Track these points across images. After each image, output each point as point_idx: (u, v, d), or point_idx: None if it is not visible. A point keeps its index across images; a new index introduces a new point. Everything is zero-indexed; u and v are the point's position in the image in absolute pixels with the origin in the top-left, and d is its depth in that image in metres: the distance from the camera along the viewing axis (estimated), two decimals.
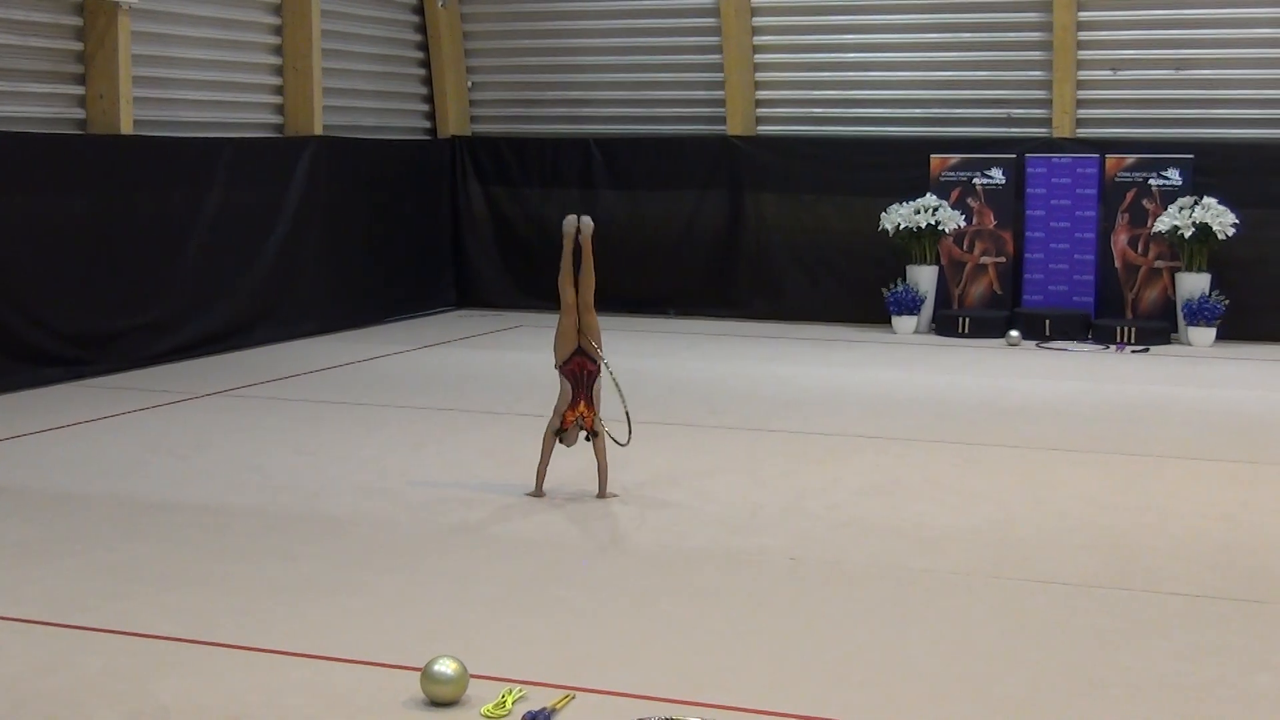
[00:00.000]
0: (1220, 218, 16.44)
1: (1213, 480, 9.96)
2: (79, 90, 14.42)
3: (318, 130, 17.08)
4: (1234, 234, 16.45)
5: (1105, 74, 17.85)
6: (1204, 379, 14.44)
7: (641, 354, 15.82)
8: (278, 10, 16.92)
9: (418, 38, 19.79)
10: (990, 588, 7.50)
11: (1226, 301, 16.70)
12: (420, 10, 19.69)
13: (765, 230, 18.96)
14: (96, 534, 8.40)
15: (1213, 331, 16.69)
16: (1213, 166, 17.11)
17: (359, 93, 18.62)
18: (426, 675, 5.80)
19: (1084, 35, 17.70)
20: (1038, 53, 17.94)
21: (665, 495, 9.41)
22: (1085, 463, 10.48)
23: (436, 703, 5.78)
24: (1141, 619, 6.99)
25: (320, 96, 17.13)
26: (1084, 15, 17.60)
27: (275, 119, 17.13)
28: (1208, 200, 16.60)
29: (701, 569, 7.79)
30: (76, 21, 14.34)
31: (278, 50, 17.00)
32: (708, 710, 5.76)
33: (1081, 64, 17.79)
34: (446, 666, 5.80)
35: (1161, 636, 6.72)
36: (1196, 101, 17.57)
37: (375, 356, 15.52)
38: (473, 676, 5.87)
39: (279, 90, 17.10)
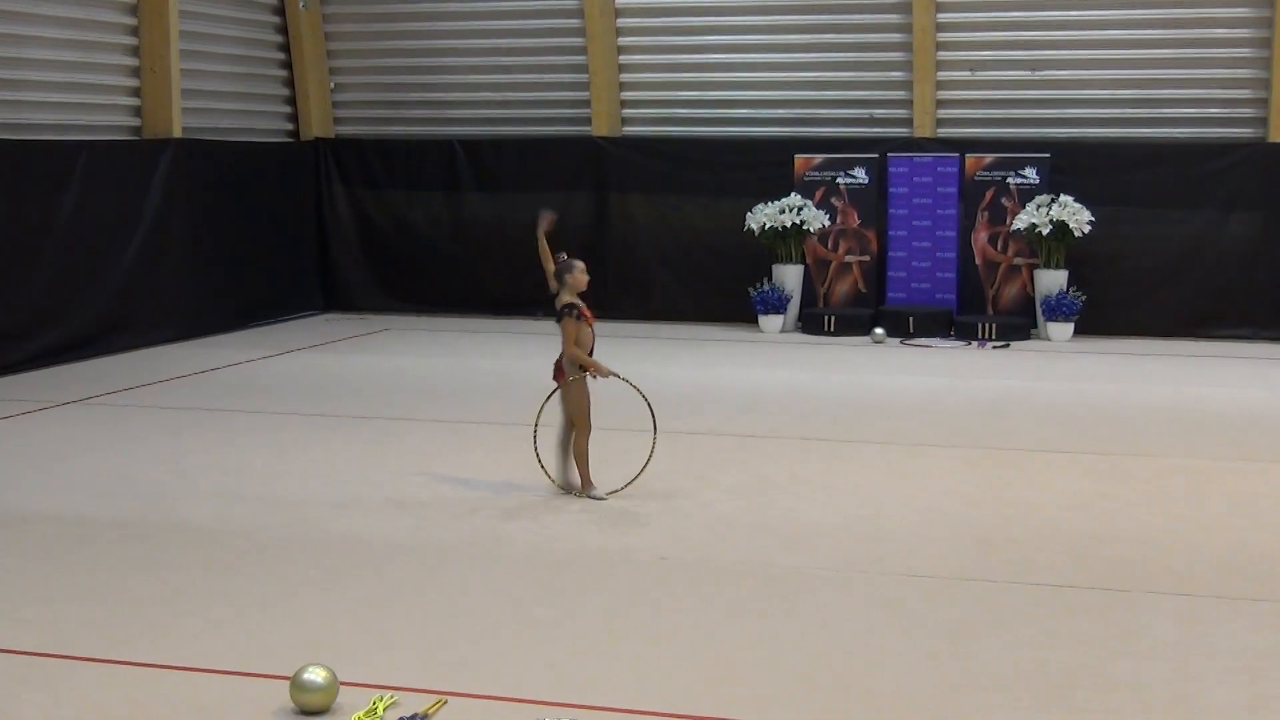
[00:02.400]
0: (1076, 215, 16.80)
1: (1072, 472, 10.17)
2: None
3: (177, 133, 16.78)
4: (1090, 231, 16.82)
5: (964, 75, 18.15)
6: (1063, 373, 14.74)
7: (510, 356, 15.77)
8: (134, 10, 16.59)
9: (279, 39, 19.54)
10: (858, 582, 7.59)
11: (1084, 297, 17.08)
12: (281, 11, 19.45)
13: (632, 231, 19.00)
14: None
15: (1071, 326, 17.06)
16: (1069, 165, 17.49)
17: (219, 94, 18.33)
18: (296, 684, 5.73)
19: (943, 36, 17.98)
20: (898, 54, 18.19)
21: (536, 498, 9.38)
22: (949, 457, 10.65)
23: (307, 711, 5.72)
24: (1005, 610, 7.11)
25: (179, 98, 16.83)
26: (943, 17, 17.88)
27: (133, 121, 16.80)
28: (1064, 198, 16.96)
29: (572, 570, 7.78)
30: None
31: (134, 51, 16.67)
32: (577, 711, 5.75)
33: (941, 65, 18.07)
34: (316, 675, 5.74)
35: (1025, 626, 6.85)
36: (1053, 102, 17.95)
37: (239, 362, 15.30)
38: (343, 684, 5.82)
39: (136, 92, 16.78)
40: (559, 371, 9.31)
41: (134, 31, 16.64)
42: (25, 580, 7.58)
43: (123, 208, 16.03)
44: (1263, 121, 17.24)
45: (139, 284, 16.19)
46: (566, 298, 9.17)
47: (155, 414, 12.37)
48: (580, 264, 9.29)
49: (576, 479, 9.41)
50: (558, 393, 9.33)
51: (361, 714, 5.69)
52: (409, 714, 5.66)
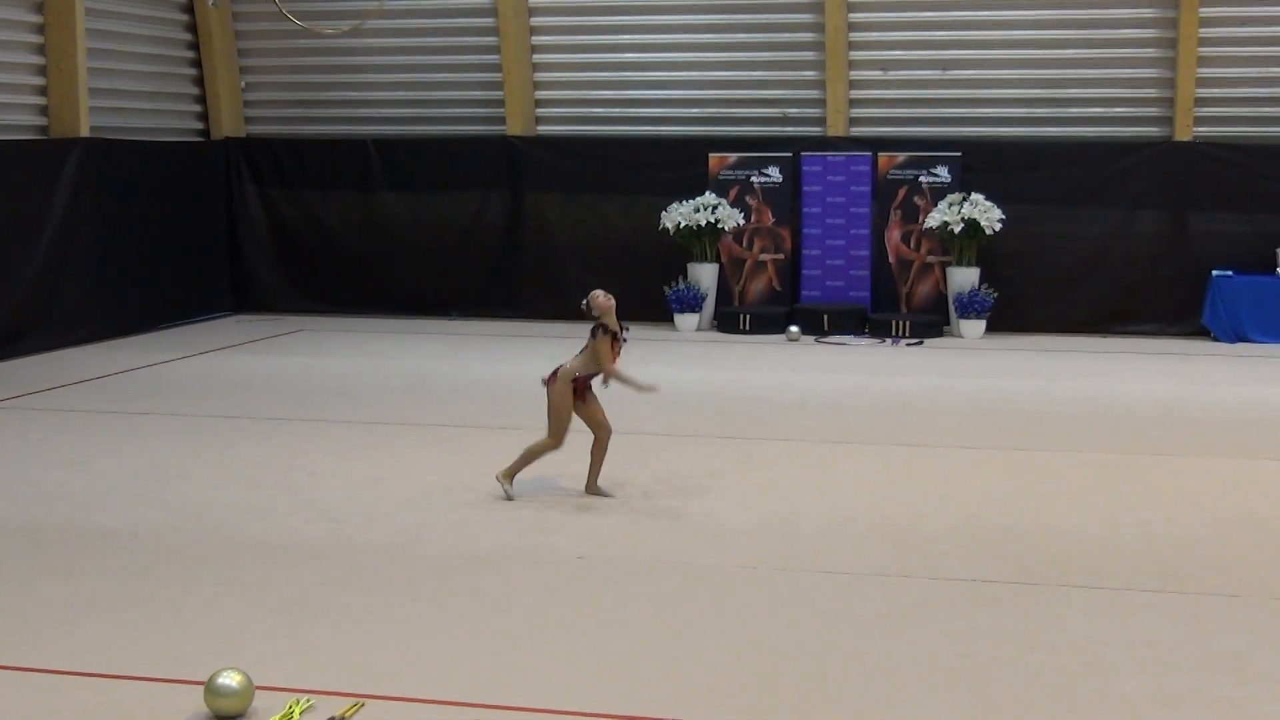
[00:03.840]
0: (988, 213, 16.98)
1: (985, 467, 10.28)
2: None
3: (84, 132, 16.53)
4: (1001, 229, 17.00)
5: (876, 74, 18.29)
6: (975, 369, 14.89)
7: (424, 356, 15.69)
8: (40, 8, 16.33)
9: (188, 37, 19.31)
10: (775, 580, 7.62)
11: (995, 294, 17.26)
12: (190, 10, 19.22)
13: (547, 230, 18.97)
14: None
15: (983, 323, 17.24)
16: (980, 164, 17.68)
17: (128, 93, 18.09)
18: (210, 689, 5.67)
19: (855, 36, 18.10)
20: (811, 53, 18.29)
21: (454, 498, 9.34)
22: (864, 454, 10.72)
23: (222, 717, 5.66)
24: (921, 605, 7.17)
25: (86, 97, 16.58)
26: (855, 17, 18.00)
27: (38, 120, 16.53)
28: (975, 196, 17.14)
29: (491, 570, 7.76)
30: None
31: (40, 49, 16.41)
32: (499, 713, 5.73)
33: (853, 64, 18.19)
34: (230, 679, 5.68)
35: (940, 621, 6.91)
36: (964, 101, 18.13)
37: (150, 364, 15.11)
38: (258, 688, 5.76)
39: (42, 91, 16.52)
40: (552, 377, 9.20)
41: (40, 29, 16.38)
42: None
43: (29, 208, 15.78)
44: (1169, 120, 17.52)
45: (47, 285, 15.94)
46: (604, 320, 9.11)
47: (64, 417, 12.18)
48: (597, 292, 9.31)
49: (599, 485, 9.37)
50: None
51: (278, 718, 5.64)
52: (326, 718, 5.61)
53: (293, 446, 10.91)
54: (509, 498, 9.22)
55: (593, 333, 9.14)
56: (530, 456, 9.31)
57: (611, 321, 9.14)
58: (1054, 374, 14.68)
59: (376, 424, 11.88)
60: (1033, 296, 17.68)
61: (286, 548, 8.21)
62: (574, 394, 9.15)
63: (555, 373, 9.18)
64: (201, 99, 19.60)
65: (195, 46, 19.38)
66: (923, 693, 6.01)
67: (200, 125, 19.65)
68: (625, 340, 9.24)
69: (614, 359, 9.15)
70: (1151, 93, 17.66)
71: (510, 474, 9.32)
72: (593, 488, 9.40)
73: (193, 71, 19.45)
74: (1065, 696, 5.98)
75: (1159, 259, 17.49)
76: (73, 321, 16.32)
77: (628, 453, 10.72)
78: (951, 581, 7.56)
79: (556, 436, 9.19)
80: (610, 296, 9.23)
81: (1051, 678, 6.18)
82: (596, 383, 9.34)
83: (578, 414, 9.19)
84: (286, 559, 7.97)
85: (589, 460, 9.40)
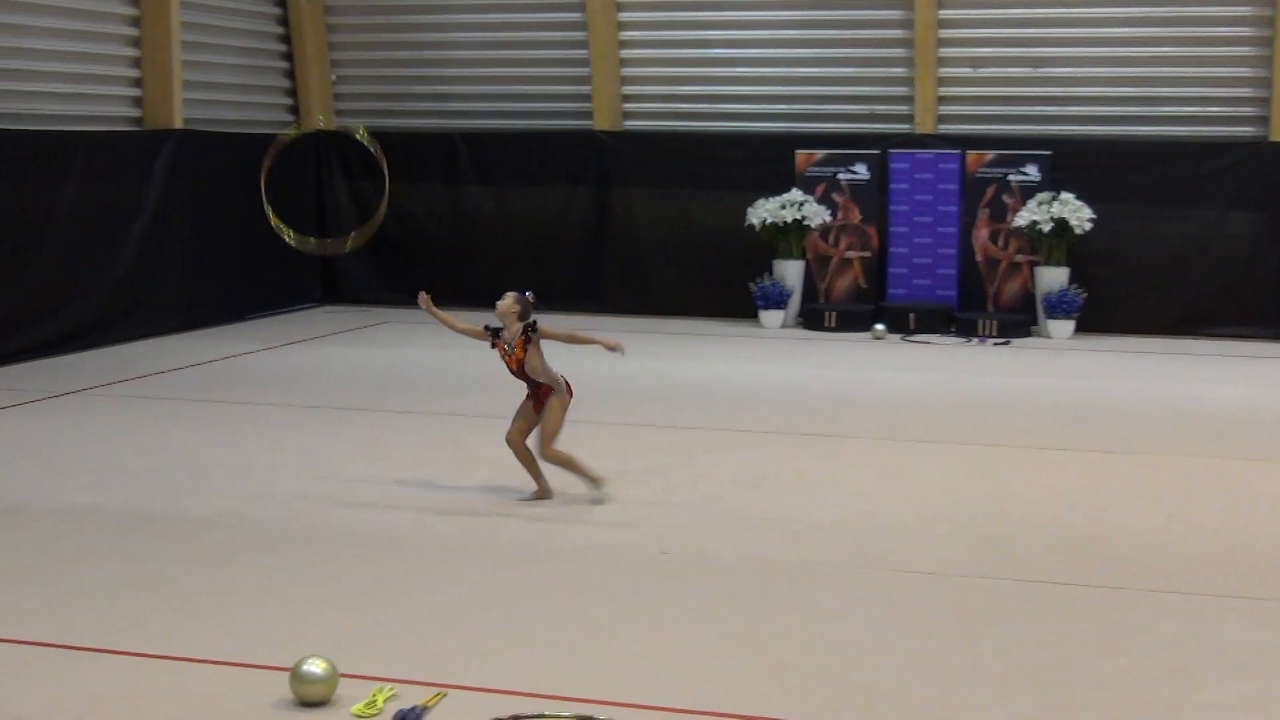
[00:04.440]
0: (1077, 213, 16.79)
1: (1071, 469, 10.17)
2: None
3: (178, 123, 16.77)
4: (1090, 228, 16.82)
5: (965, 71, 18.14)
6: (1062, 370, 14.74)
7: None
8: (135, 2, 16.58)
9: (280, 30, 19.53)
10: (855, 579, 7.59)
11: (1084, 294, 17.07)
12: (282, 3, 19.44)
13: (633, 225, 18.99)
14: None
15: (1071, 324, 17.06)
16: (1069, 162, 17.48)
17: (220, 85, 18.33)
18: (295, 675, 5.73)
19: (944, 33, 17.97)
20: (900, 50, 18.18)
21: (533, 491, 9.37)
22: (948, 454, 10.65)
23: (306, 703, 5.72)
24: (1002, 606, 7.12)
25: (180, 89, 16.82)
26: (944, 14, 17.87)
27: (134, 112, 16.80)
28: (1065, 195, 16.96)
29: (571, 564, 7.79)
30: None
31: (136, 42, 16.67)
32: (577, 705, 5.76)
33: (942, 61, 18.06)
34: (316, 666, 5.74)
35: (1021, 623, 6.85)
36: (1054, 99, 17.95)
37: (238, 354, 15.30)
38: (342, 676, 5.82)
39: (137, 83, 16.77)
40: (547, 391, 9.09)
41: (135, 22, 16.64)
42: (24, 570, 7.58)
43: (123, 198, 16.03)
44: (1264, 120, 17.23)
45: (139, 275, 16.20)
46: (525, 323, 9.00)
47: (154, 405, 12.37)
48: (505, 296, 9.15)
49: (546, 485, 9.26)
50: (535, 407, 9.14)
51: (361, 706, 5.69)
52: (408, 706, 5.66)
53: (376, 437, 11.01)
54: (601, 501, 9.11)
55: (526, 337, 8.96)
56: (570, 463, 9.11)
57: (510, 322, 8.98)
58: (1142, 376, 14.51)
59: (458, 416, 11.96)
60: (1122, 297, 17.46)
61: (369, 537, 8.29)
62: (535, 399, 9.04)
63: (545, 387, 9.01)
64: (292, 91, 19.81)
65: (287, 39, 19.60)
66: (1001, 695, 5.96)
67: (291, 117, 19.86)
68: (499, 340, 9.07)
69: (520, 350, 8.96)
70: (1246, 92, 17.38)
71: (594, 480, 9.14)
72: (543, 491, 9.20)
73: (284, 64, 19.67)
74: (1146, 703, 5.91)
75: (1254, 260, 17.22)
76: (164, 310, 16.57)
77: (711, 447, 10.74)
78: (1033, 584, 7.50)
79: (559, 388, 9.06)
80: (504, 301, 9.06)
81: (1133, 683, 6.11)
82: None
83: (534, 413, 9.05)
84: (369, 548, 8.04)
85: (524, 468, 9.17)
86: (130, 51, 16.66)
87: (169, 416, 11.82)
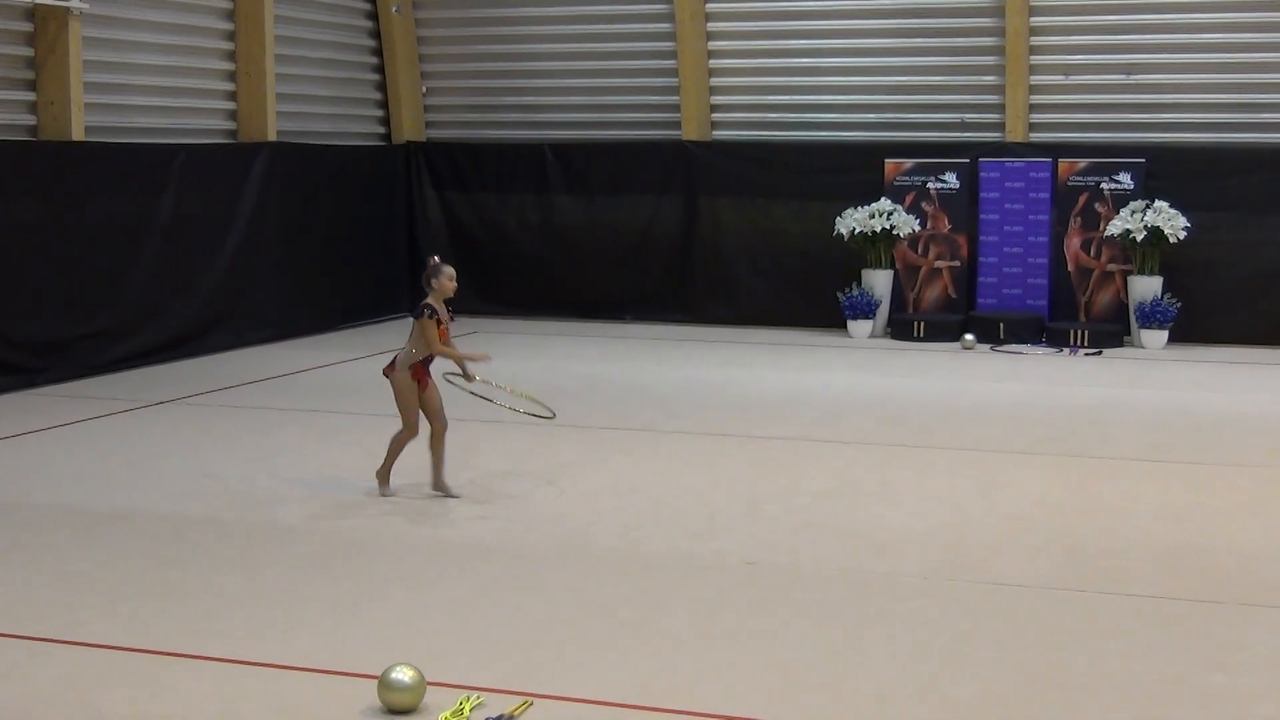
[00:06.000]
0: (1171, 221, 16.56)
1: (1165, 481, 10.03)
2: (30, 96, 14.31)
3: (271, 136, 17.00)
4: (1185, 237, 16.58)
5: (1057, 79, 17.96)
6: (1156, 381, 14.54)
7: (598, 359, 15.81)
8: (230, 16, 16.84)
9: (372, 43, 19.74)
10: (945, 590, 7.53)
11: (1178, 304, 16.83)
12: (374, 16, 19.64)
13: (721, 234, 18.98)
14: (49, 544, 8.32)
15: (1165, 334, 16.82)
16: (1163, 170, 17.25)
17: (313, 99, 18.55)
18: (384, 683, 5.78)
19: (1036, 40, 17.81)
20: (991, 58, 18.03)
21: (622, 500, 9.40)
22: (1039, 465, 10.54)
23: (394, 711, 5.76)
24: (1095, 620, 7.02)
25: (274, 102, 17.05)
26: (1036, 21, 17.71)
27: (228, 125, 17.04)
28: (1159, 204, 16.73)
29: (658, 573, 7.78)
30: (27, 28, 14.23)
31: (231, 56, 16.92)
32: (666, 716, 5.75)
33: (1034, 69, 17.89)
34: (404, 674, 5.78)
35: (1115, 637, 6.76)
36: (1147, 106, 17.71)
37: (330, 363, 15.45)
38: (430, 684, 5.85)
39: (232, 96, 17.02)
40: (391, 367, 9.28)
41: (231, 37, 16.88)
42: (120, 576, 7.70)
43: (219, 210, 16.27)
44: None
45: (234, 285, 16.41)
46: (431, 300, 9.12)
47: (248, 414, 12.52)
48: (449, 270, 9.24)
49: (446, 481, 9.41)
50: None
51: (448, 714, 5.72)
52: (495, 715, 5.68)
53: (466, 446, 11.04)
54: (386, 495, 9.35)
55: (416, 314, 9.17)
56: (393, 451, 9.43)
57: (439, 304, 9.12)
58: (1238, 387, 14.28)
59: (546, 425, 11.98)
60: (1218, 307, 17.18)
61: (458, 546, 8.34)
62: (416, 380, 9.23)
63: (393, 362, 9.27)
64: (383, 104, 20.01)
65: (378, 52, 19.80)
66: (1095, 710, 5.88)
67: (382, 129, 20.06)
68: (451, 321, 9.23)
69: (442, 340, 9.12)
70: None
71: (383, 475, 9.45)
72: (439, 484, 9.39)
73: (375, 77, 19.87)
74: (1243, 718, 5.81)
75: None
76: (257, 320, 16.78)
77: (798, 459, 10.69)
78: (1128, 597, 7.40)
79: (409, 426, 9.33)
80: (455, 280, 9.20)
81: (1230, 699, 6.01)
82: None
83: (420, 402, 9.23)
84: (458, 557, 8.09)
85: (430, 456, 9.38)
86: (225, 65, 16.91)
87: (262, 425, 11.96)
